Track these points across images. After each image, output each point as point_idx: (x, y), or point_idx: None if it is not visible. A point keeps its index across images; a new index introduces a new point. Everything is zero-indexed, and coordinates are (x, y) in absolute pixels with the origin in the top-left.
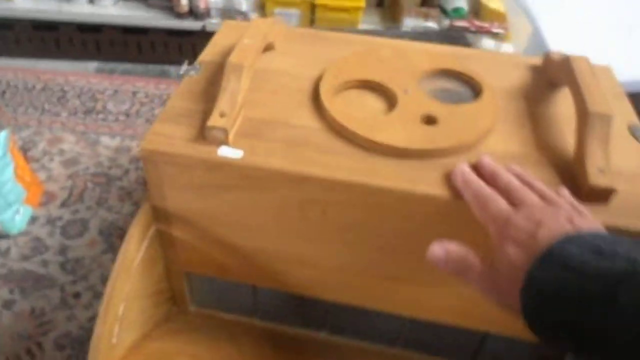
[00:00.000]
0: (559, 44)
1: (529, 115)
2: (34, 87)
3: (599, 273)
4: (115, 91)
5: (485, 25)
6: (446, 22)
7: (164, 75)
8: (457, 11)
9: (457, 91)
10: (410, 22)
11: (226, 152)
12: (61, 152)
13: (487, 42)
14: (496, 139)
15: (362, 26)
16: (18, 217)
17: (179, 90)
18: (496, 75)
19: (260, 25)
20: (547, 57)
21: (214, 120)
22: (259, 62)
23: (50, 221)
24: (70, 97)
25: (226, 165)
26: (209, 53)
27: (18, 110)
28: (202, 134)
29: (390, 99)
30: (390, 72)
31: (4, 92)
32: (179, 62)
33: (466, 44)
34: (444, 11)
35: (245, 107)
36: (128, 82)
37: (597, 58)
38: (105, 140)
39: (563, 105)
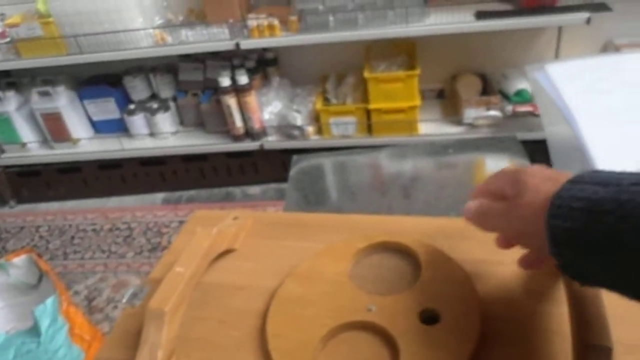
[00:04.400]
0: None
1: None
2: (102, 228)
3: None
4: (181, 222)
5: None
6: (509, 108)
7: (228, 197)
8: (519, 94)
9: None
10: (471, 113)
11: None
12: None
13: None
14: None
15: (422, 126)
16: None
17: (113, 332)
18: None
19: (200, 240)
20: None
21: None
22: (210, 275)
23: None
24: (137, 234)
25: None
26: (162, 265)
27: (85, 256)
28: None
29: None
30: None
31: (72, 238)
32: (242, 183)
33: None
34: (505, 96)
35: (179, 350)
36: (193, 211)
37: None
38: None
39: None
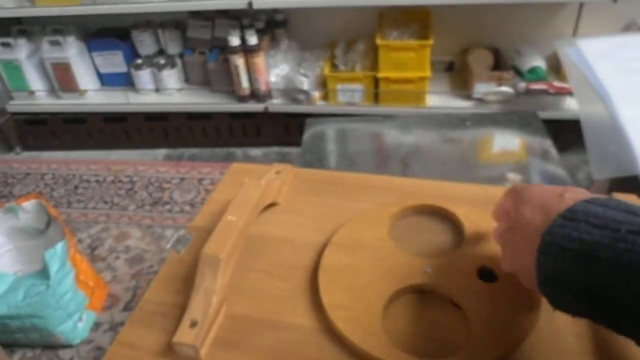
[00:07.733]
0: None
1: None
2: (104, 180)
3: (634, 230)
4: (182, 179)
5: (567, 85)
6: (522, 85)
7: (230, 158)
8: (533, 72)
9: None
10: (481, 88)
11: None
12: (127, 249)
13: (572, 104)
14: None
15: (430, 98)
16: (80, 325)
17: (159, 276)
18: None
19: (250, 191)
20: None
21: (182, 334)
22: (255, 227)
23: (113, 327)
24: (138, 188)
25: None
26: (205, 214)
27: (89, 206)
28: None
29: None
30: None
31: (76, 187)
32: (244, 144)
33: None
34: (518, 73)
35: (230, 298)
36: (194, 168)
37: None
38: (169, 233)
39: None
